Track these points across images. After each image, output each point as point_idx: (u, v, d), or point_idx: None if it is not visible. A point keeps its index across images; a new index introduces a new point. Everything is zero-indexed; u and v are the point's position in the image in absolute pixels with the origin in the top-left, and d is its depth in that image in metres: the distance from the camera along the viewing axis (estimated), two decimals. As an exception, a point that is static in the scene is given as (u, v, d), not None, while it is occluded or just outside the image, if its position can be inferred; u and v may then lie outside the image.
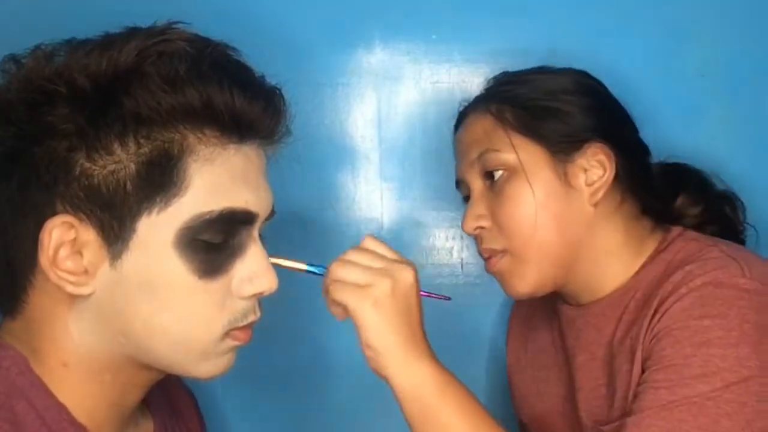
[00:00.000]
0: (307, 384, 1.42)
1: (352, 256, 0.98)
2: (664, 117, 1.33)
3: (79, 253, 0.84)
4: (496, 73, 1.21)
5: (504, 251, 1.13)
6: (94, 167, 0.83)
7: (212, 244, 0.87)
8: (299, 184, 1.36)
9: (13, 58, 0.88)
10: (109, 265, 0.85)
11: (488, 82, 1.22)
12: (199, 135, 0.86)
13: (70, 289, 0.84)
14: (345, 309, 0.96)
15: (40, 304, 0.87)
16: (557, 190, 1.10)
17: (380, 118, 1.41)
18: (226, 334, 0.90)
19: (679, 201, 1.20)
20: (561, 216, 1.10)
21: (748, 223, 1.23)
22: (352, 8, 1.40)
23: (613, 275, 1.12)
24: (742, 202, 1.23)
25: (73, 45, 0.87)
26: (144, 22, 0.89)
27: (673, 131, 1.33)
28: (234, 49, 0.92)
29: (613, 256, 1.12)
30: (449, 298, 1.08)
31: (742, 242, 1.22)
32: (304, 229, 1.37)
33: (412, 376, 0.95)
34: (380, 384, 1.34)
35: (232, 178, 0.88)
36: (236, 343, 0.91)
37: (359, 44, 1.41)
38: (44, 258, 0.83)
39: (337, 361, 1.41)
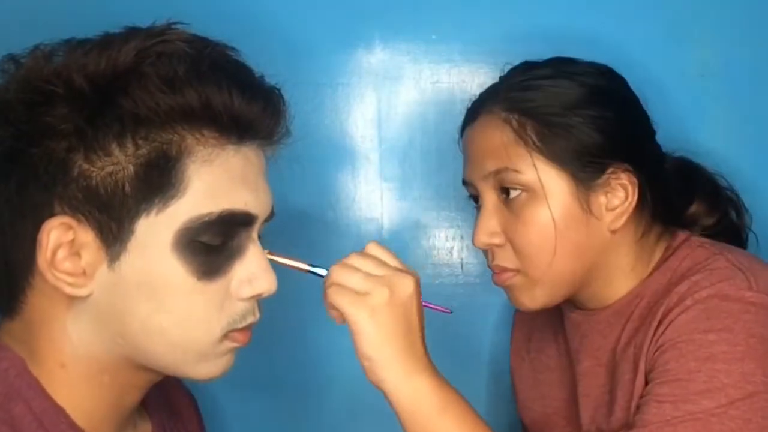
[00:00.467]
0: (306, 386, 1.42)
1: (354, 260, 0.96)
2: (664, 117, 1.32)
3: (78, 254, 0.84)
4: (496, 73, 1.20)
5: (517, 270, 1.11)
6: (92, 168, 0.82)
7: (211, 245, 0.86)
8: (299, 184, 1.35)
9: (12, 58, 0.87)
10: (107, 266, 0.84)
11: (502, 77, 1.18)
12: (198, 136, 0.85)
13: (68, 290, 0.84)
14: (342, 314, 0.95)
15: (38, 305, 0.87)
16: (577, 215, 1.08)
17: (380, 118, 1.41)
18: (225, 336, 0.90)
19: (694, 208, 1.18)
20: (579, 242, 1.08)
21: (750, 229, 1.23)
22: (352, 8, 1.40)
23: (621, 286, 1.12)
24: (746, 208, 1.22)
25: (72, 45, 0.87)
26: (143, 23, 0.89)
27: (673, 132, 1.33)
28: (233, 49, 0.92)
29: (624, 272, 1.11)
30: (450, 311, 1.06)
31: (744, 245, 1.21)
32: (304, 229, 1.37)
33: (410, 389, 0.93)
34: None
35: (230, 179, 0.87)
36: (235, 344, 0.91)
37: (359, 44, 1.41)
38: (42, 259, 0.83)
39: (337, 364, 1.40)
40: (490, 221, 1.11)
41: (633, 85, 1.17)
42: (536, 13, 1.40)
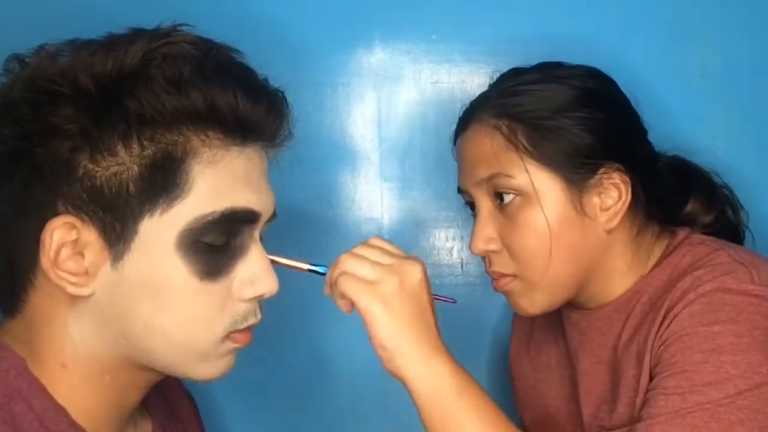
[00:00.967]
0: (306, 387, 1.42)
1: (361, 250, 0.97)
2: (664, 117, 1.33)
3: (81, 254, 0.84)
4: (496, 73, 1.20)
5: (514, 275, 1.11)
6: (97, 168, 0.83)
7: (214, 246, 0.87)
8: (299, 184, 1.36)
9: (17, 58, 0.88)
10: (110, 266, 0.85)
11: (491, 85, 1.18)
12: (203, 137, 0.86)
13: (70, 289, 0.84)
14: (352, 302, 0.95)
15: (40, 304, 0.87)
16: (572, 217, 1.08)
17: (380, 118, 1.41)
18: (227, 337, 0.90)
19: (690, 207, 1.19)
20: (575, 244, 1.09)
21: (747, 227, 1.23)
22: (352, 8, 1.40)
23: (620, 285, 1.12)
24: (741, 205, 1.23)
25: (77, 45, 0.87)
26: (142, 23, 0.89)
27: (672, 131, 1.33)
28: (238, 51, 0.92)
29: (621, 271, 1.12)
30: (455, 301, 1.07)
31: (741, 242, 1.22)
32: (304, 229, 1.36)
33: (430, 374, 0.93)
34: (379, 388, 1.35)
35: (234, 180, 0.88)
36: (236, 345, 0.91)
37: (359, 44, 1.41)
38: (45, 258, 0.83)
39: (337, 365, 1.41)
40: (486, 228, 1.12)
41: (633, 85, 1.17)
42: (536, 14, 1.40)
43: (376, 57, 1.41)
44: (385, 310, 0.92)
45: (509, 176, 1.08)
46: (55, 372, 0.87)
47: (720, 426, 0.93)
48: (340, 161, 1.42)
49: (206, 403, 1.20)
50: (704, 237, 1.13)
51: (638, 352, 1.05)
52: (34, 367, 0.87)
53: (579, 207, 1.08)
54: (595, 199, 1.09)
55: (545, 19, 1.40)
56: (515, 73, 1.16)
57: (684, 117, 1.28)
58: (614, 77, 1.17)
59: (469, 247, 1.14)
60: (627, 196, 1.09)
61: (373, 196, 1.42)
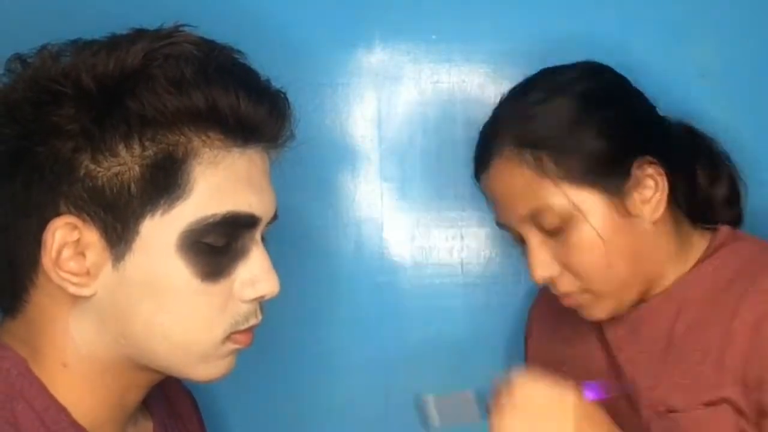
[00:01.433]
0: (306, 387, 1.42)
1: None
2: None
3: (82, 254, 0.84)
4: (497, 73, 1.20)
5: (582, 291, 1.12)
6: (98, 169, 0.83)
7: (215, 247, 0.87)
8: (299, 184, 1.35)
9: (19, 58, 0.88)
10: (111, 266, 0.85)
11: (497, 110, 1.17)
12: (204, 138, 0.86)
13: (72, 289, 0.84)
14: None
15: (41, 304, 0.87)
16: (620, 223, 1.09)
17: (380, 118, 1.41)
18: (227, 338, 0.90)
19: (698, 177, 1.20)
20: (629, 246, 1.10)
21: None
22: (352, 8, 1.40)
23: (670, 274, 1.14)
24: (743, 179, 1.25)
25: (79, 46, 0.87)
26: (144, 24, 0.89)
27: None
28: (240, 52, 0.92)
29: (672, 259, 1.13)
30: None
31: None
32: (304, 229, 1.36)
33: None
34: (379, 387, 1.35)
35: (235, 181, 0.88)
36: (237, 346, 0.91)
37: (359, 44, 1.40)
38: (47, 258, 0.83)
39: (338, 364, 1.41)
40: (540, 255, 1.12)
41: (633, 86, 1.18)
42: (536, 14, 1.40)
43: (376, 57, 1.41)
44: None
45: (549, 207, 1.09)
46: (56, 372, 0.87)
47: None
48: (340, 161, 1.41)
49: (207, 403, 1.20)
50: (742, 232, 1.16)
51: (703, 345, 1.07)
52: (35, 367, 0.87)
53: (623, 210, 1.09)
54: (636, 196, 1.10)
55: (545, 18, 1.40)
56: (520, 93, 1.16)
57: (684, 117, 1.27)
58: (614, 77, 1.17)
59: (531, 277, 1.14)
60: (664, 183, 1.10)
61: (373, 196, 1.42)
